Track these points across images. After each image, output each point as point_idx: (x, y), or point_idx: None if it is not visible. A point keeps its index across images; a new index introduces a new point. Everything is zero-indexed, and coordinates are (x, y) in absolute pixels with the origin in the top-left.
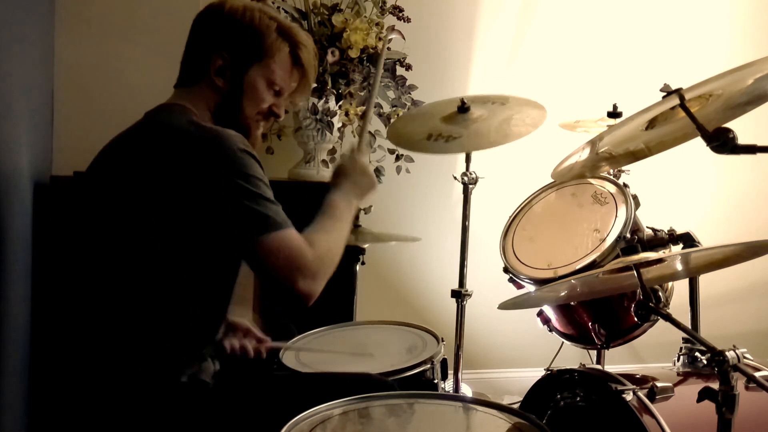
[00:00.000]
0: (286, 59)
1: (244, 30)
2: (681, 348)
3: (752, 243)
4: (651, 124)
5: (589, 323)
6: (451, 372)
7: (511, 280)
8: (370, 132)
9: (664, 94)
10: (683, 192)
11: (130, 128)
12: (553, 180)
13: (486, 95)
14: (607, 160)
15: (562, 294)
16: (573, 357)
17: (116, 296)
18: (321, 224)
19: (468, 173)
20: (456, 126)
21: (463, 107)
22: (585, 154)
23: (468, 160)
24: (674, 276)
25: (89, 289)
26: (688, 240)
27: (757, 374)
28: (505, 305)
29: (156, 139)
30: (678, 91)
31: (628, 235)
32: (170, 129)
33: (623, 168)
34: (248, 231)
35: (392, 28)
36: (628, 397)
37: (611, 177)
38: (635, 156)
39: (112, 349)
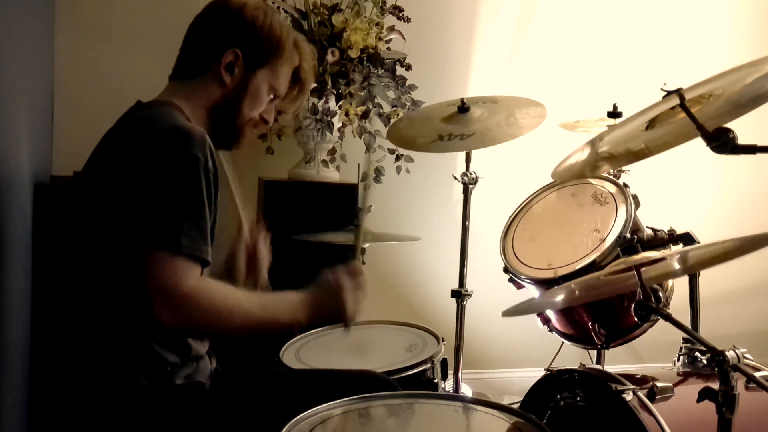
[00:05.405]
0: (291, 69)
1: (263, 34)
2: (681, 348)
3: (751, 237)
4: (651, 124)
5: (589, 323)
6: (451, 372)
7: (511, 280)
8: (369, 132)
9: (665, 93)
10: (683, 192)
11: (114, 124)
12: (553, 180)
13: (478, 96)
14: (607, 159)
15: (562, 298)
16: (573, 357)
17: (98, 296)
18: (252, 294)
19: (468, 173)
20: (457, 126)
21: (463, 107)
22: (585, 153)
23: (468, 160)
24: (673, 273)
25: (77, 286)
26: (688, 240)
27: (757, 374)
28: (509, 312)
29: (126, 136)
30: (678, 91)
31: (628, 235)
32: (140, 125)
33: (623, 168)
34: (144, 240)
35: (392, 28)
36: (628, 397)
37: (611, 177)
38: (636, 156)
39: (103, 351)
